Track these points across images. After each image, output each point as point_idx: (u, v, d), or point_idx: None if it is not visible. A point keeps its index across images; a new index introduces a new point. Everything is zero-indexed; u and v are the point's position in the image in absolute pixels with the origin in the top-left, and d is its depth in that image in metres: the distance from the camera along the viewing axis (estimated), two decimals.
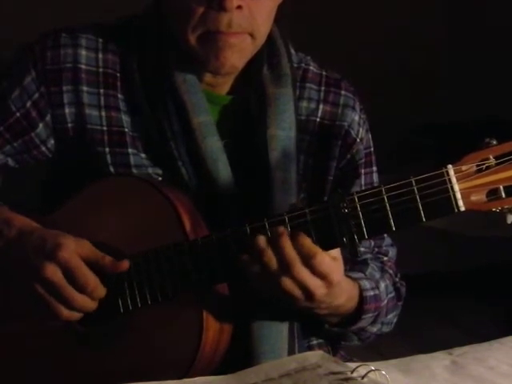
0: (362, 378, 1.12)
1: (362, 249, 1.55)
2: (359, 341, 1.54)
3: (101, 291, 1.34)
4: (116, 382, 1.23)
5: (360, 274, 1.48)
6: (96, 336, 1.38)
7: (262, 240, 1.28)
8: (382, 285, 1.51)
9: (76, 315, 1.34)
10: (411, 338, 3.35)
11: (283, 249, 1.26)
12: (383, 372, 1.13)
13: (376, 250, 1.59)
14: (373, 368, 1.13)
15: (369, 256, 1.57)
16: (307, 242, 1.27)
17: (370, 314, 1.47)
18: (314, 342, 1.53)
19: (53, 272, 1.31)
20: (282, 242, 1.27)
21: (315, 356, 1.18)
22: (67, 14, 2.98)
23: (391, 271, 1.58)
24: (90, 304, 1.34)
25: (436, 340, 3.16)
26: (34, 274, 1.32)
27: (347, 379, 1.12)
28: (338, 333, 1.49)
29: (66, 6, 3.36)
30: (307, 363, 1.16)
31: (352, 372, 1.13)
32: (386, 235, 1.61)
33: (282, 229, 1.28)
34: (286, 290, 1.28)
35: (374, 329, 1.52)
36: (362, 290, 1.44)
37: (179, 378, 1.23)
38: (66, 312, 1.33)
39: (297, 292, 1.29)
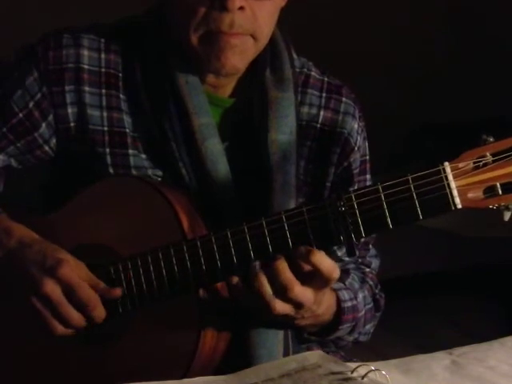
0: (362, 378, 1.12)
1: (347, 259, 1.55)
2: (335, 348, 1.54)
3: (100, 311, 1.34)
4: (116, 382, 1.23)
5: (340, 285, 1.48)
6: (96, 337, 1.38)
7: (256, 266, 1.29)
8: (360, 295, 1.52)
9: (71, 331, 1.35)
10: (411, 338, 3.35)
11: (281, 273, 1.27)
12: (383, 372, 1.13)
13: (360, 260, 1.59)
14: (373, 368, 1.13)
15: (351, 266, 1.58)
16: (316, 251, 1.27)
17: (348, 324, 1.47)
18: (314, 342, 1.53)
19: (52, 288, 1.31)
20: (279, 264, 1.27)
21: (315, 356, 1.18)
22: (67, 14, 2.98)
23: (372, 282, 1.58)
24: (86, 323, 1.35)
25: (436, 340, 3.16)
26: (33, 288, 1.32)
27: (347, 379, 1.12)
28: (317, 341, 1.50)
29: (66, 6, 3.36)
30: (307, 363, 1.16)
31: (352, 372, 1.13)
32: (371, 246, 1.61)
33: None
34: (280, 311, 1.29)
35: (351, 338, 1.52)
36: (340, 301, 1.44)
37: (179, 378, 1.24)
38: (61, 329, 1.34)
39: (289, 310, 1.30)
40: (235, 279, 1.31)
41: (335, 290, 1.44)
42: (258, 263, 1.29)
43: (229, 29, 1.37)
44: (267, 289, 1.28)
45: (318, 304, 1.34)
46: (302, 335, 1.48)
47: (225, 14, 1.36)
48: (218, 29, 1.37)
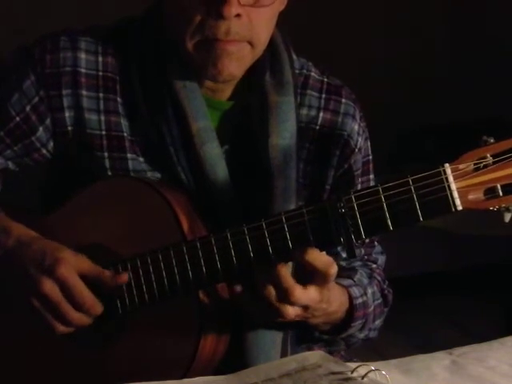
0: (362, 378, 1.12)
1: (358, 250, 1.55)
2: (346, 346, 1.54)
3: (97, 309, 1.35)
4: (115, 382, 1.23)
5: (349, 281, 1.48)
6: (95, 337, 1.38)
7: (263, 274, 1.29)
8: (370, 291, 1.51)
9: (72, 330, 1.35)
10: (411, 337, 3.35)
11: (283, 280, 1.27)
12: (383, 372, 1.13)
13: (366, 257, 1.59)
14: (373, 368, 1.13)
15: (358, 263, 1.57)
16: (310, 249, 1.28)
17: (359, 320, 1.47)
18: (326, 341, 1.53)
19: (50, 288, 1.31)
20: (280, 271, 1.28)
21: (315, 356, 1.18)
22: (67, 14, 2.98)
23: (379, 278, 1.58)
24: (87, 320, 1.35)
25: (436, 340, 3.16)
26: (32, 288, 1.32)
27: (347, 379, 1.12)
28: (328, 340, 1.50)
29: (66, 6, 3.36)
30: (307, 363, 1.16)
31: (352, 372, 1.13)
32: (376, 243, 1.61)
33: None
34: (294, 316, 1.30)
35: (362, 335, 1.52)
36: (352, 298, 1.44)
37: (179, 378, 1.24)
38: (61, 328, 1.34)
39: (300, 311, 1.31)
40: (239, 288, 1.31)
41: (346, 287, 1.45)
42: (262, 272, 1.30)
43: (225, 36, 1.35)
44: (275, 296, 1.28)
45: (327, 302, 1.33)
46: (314, 334, 1.47)
47: (221, 21, 1.34)
48: (214, 36, 1.35)
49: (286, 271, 1.28)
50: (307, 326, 1.40)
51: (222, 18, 1.33)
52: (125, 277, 1.35)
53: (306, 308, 1.31)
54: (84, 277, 1.33)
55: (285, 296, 1.28)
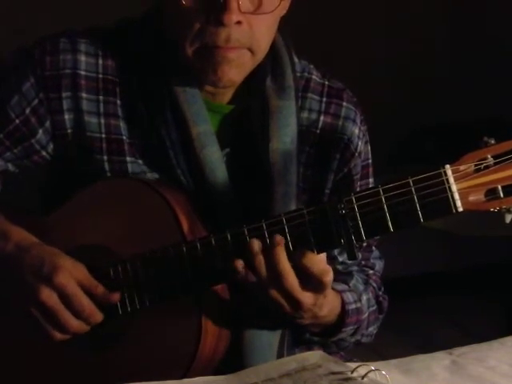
0: (362, 378, 1.12)
1: (349, 262, 1.55)
2: (337, 348, 1.54)
3: (97, 317, 1.35)
4: (116, 382, 1.23)
5: (344, 286, 1.48)
6: (95, 337, 1.38)
7: (256, 245, 1.28)
8: (365, 297, 1.51)
9: (70, 337, 1.35)
10: (411, 337, 3.35)
11: (278, 260, 1.27)
12: (383, 372, 1.13)
13: (363, 262, 1.58)
14: (373, 368, 1.13)
15: (355, 268, 1.57)
16: (309, 253, 1.28)
17: (351, 326, 1.47)
18: (317, 343, 1.53)
19: (48, 296, 1.31)
20: (278, 252, 1.27)
21: (315, 356, 1.18)
22: (67, 14, 2.98)
23: (375, 284, 1.58)
24: (86, 328, 1.35)
25: (436, 340, 3.16)
26: (30, 296, 1.32)
27: (347, 379, 1.12)
28: (319, 342, 1.49)
29: (65, 6, 3.36)
30: (307, 363, 1.16)
31: (352, 372, 1.13)
32: (374, 248, 1.60)
33: (279, 238, 1.28)
34: (273, 299, 1.30)
35: (353, 339, 1.52)
36: (344, 304, 1.44)
37: (179, 378, 1.24)
38: (59, 335, 1.35)
39: (283, 302, 1.30)
40: (240, 263, 1.30)
41: (340, 292, 1.44)
42: (256, 243, 1.29)
43: (225, 43, 1.34)
44: (264, 271, 1.28)
45: (320, 306, 1.34)
46: (305, 335, 1.47)
47: (221, 28, 1.33)
48: (214, 43, 1.34)
49: (284, 256, 1.27)
50: (297, 325, 1.40)
51: (222, 25, 1.33)
52: (116, 296, 1.35)
53: (296, 307, 1.30)
54: (80, 285, 1.34)
55: (279, 279, 1.27)
